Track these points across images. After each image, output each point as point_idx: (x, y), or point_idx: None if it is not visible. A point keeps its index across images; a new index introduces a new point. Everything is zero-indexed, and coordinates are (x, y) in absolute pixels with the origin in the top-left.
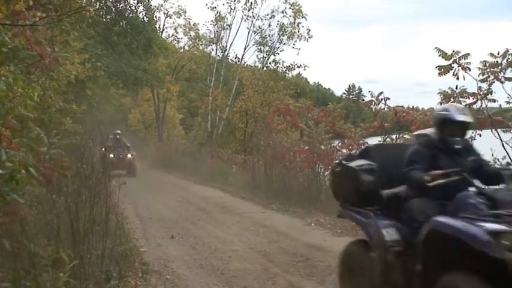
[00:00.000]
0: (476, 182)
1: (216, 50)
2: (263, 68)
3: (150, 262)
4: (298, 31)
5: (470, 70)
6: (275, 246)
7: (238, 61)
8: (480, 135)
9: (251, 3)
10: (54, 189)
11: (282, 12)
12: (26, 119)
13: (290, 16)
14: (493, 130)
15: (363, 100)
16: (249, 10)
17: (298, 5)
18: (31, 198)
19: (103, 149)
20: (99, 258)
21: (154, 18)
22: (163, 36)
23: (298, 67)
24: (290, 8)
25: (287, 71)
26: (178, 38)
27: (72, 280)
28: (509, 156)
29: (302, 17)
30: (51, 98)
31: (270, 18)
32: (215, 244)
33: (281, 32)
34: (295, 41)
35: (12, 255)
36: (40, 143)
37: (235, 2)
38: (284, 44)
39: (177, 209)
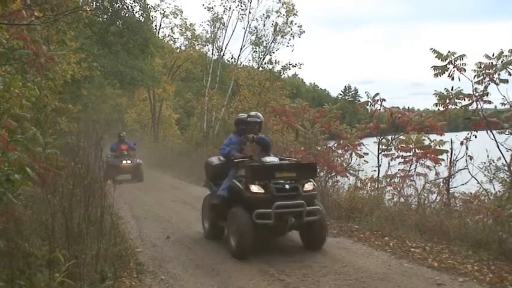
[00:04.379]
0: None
1: (213, 50)
2: (259, 68)
3: (145, 262)
4: (291, 29)
5: (465, 71)
6: (270, 247)
7: (235, 61)
8: (476, 137)
9: (245, 3)
10: (49, 188)
11: (277, 12)
12: (22, 118)
13: (283, 15)
14: (488, 131)
15: (359, 101)
16: (244, 10)
17: (291, 4)
18: (26, 198)
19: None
20: (94, 258)
21: (150, 18)
22: (159, 36)
23: (294, 66)
24: (283, 7)
25: (282, 71)
26: (174, 38)
27: (67, 280)
28: (503, 157)
29: (294, 15)
30: (47, 98)
31: (266, 18)
32: (211, 245)
33: (276, 33)
34: (289, 39)
35: (7, 254)
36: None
37: (231, 2)
38: (278, 43)
39: (172, 209)
